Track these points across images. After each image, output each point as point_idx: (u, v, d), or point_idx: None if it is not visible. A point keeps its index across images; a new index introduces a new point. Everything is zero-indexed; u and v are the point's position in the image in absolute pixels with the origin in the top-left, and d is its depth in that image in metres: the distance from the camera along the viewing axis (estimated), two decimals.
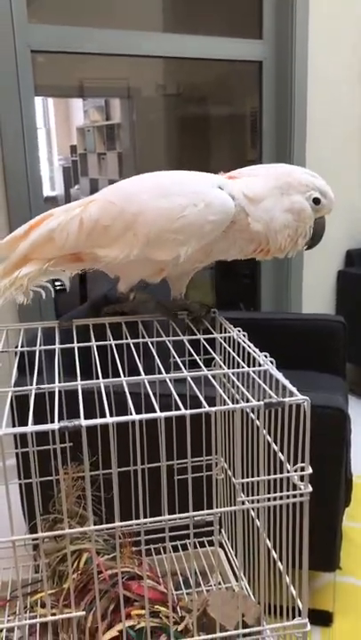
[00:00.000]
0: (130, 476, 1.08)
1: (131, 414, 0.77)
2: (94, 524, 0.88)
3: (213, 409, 0.82)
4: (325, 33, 2.90)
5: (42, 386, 0.87)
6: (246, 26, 3.04)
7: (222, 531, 1.41)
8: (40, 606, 1.03)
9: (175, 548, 1.36)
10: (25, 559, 1.21)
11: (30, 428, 0.72)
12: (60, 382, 0.91)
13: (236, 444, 0.86)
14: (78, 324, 1.14)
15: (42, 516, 1.05)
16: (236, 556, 1.27)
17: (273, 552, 0.97)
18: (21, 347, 1.08)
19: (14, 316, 2.46)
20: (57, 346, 1.07)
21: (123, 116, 6.62)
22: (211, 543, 1.41)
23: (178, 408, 0.80)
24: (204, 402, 0.82)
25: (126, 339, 1.08)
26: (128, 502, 0.94)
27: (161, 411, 0.78)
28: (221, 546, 1.41)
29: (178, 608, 1.01)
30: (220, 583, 1.32)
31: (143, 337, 1.10)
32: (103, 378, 0.91)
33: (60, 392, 0.85)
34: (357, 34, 3.02)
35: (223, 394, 0.90)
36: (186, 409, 0.79)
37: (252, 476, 0.88)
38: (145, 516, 0.83)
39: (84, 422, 0.69)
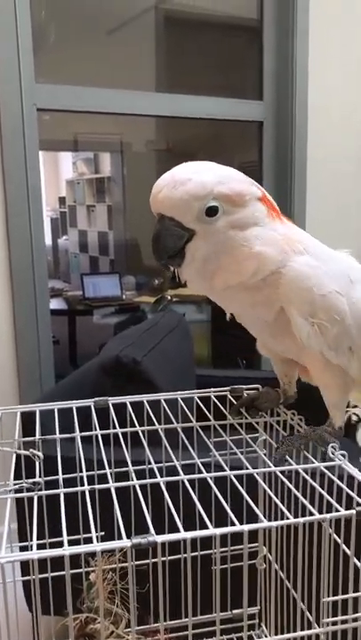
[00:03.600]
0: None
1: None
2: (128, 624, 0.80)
3: (301, 520, 0.70)
4: (324, 92, 2.96)
5: (73, 490, 0.75)
6: (247, 87, 3.09)
7: (262, 625, 1.27)
8: None
9: None
10: None
11: (96, 546, 0.60)
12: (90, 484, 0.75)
13: (323, 560, 0.76)
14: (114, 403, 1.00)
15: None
16: None
17: None
18: (40, 433, 0.94)
19: (13, 371, 2.38)
20: (77, 434, 0.93)
21: (113, 170, 6.69)
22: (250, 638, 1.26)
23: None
24: (287, 513, 0.71)
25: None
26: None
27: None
28: None
29: None
30: None
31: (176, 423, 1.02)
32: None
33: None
34: (357, 95, 3.08)
35: (304, 500, 0.77)
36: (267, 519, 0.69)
37: (313, 589, 0.79)
38: (194, 613, 0.75)
39: (159, 538, 0.60)
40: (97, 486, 0.70)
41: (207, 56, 3.39)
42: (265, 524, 0.68)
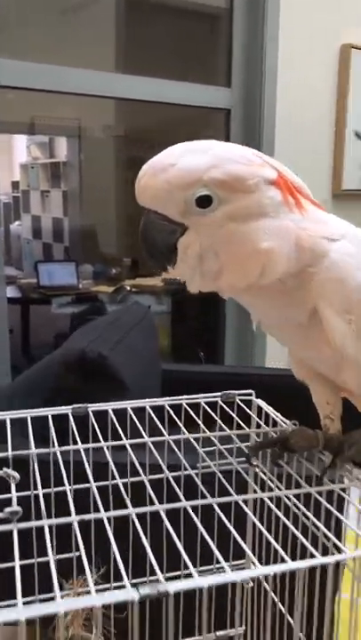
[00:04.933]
0: None
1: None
2: None
3: (302, 565, 0.56)
4: (294, 81, 2.90)
5: (61, 521, 0.63)
6: (215, 74, 3.01)
7: None
8: None
9: None
10: None
11: (94, 599, 0.50)
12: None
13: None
14: (93, 410, 0.88)
15: None
16: None
17: None
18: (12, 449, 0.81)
19: None
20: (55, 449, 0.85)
21: (69, 154, 6.50)
22: None
23: None
24: (287, 559, 0.60)
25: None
26: None
27: None
28: None
29: None
30: None
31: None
32: None
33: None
34: (328, 81, 3.03)
35: (305, 542, 0.64)
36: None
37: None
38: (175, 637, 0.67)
39: (171, 587, 0.50)
40: (88, 516, 0.60)
41: (174, 41, 3.29)
42: (258, 570, 0.58)
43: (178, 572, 0.74)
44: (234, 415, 0.90)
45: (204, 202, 0.69)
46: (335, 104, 3.08)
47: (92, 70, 2.60)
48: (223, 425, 0.89)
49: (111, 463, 0.80)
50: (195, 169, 0.69)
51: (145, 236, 0.74)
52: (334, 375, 0.83)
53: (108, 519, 0.62)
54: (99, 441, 0.83)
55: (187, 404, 0.90)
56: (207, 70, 3.18)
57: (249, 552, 0.64)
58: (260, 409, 0.94)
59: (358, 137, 3.10)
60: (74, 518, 0.59)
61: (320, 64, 3.01)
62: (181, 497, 0.70)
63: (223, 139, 2.94)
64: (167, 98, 2.72)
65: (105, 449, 0.83)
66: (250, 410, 0.92)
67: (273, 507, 0.74)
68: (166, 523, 0.65)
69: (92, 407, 0.87)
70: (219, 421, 0.90)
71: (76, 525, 0.58)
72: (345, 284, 0.74)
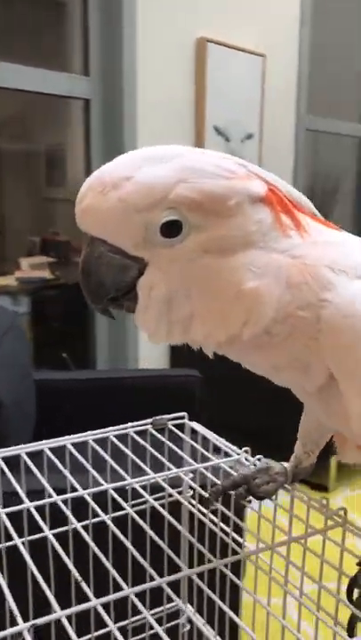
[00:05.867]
0: None
1: None
2: None
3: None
4: (153, 75, 2.83)
5: None
6: (73, 62, 2.84)
7: None
8: None
9: None
10: None
11: None
12: None
13: None
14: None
15: None
16: None
17: None
18: None
19: None
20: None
21: None
22: None
23: None
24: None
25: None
26: None
27: None
28: None
29: None
30: None
31: None
32: None
33: None
34: (186, 75, 2.99)
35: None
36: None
37: None
38: None
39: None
40: None
41: (27, 27, 3.07)
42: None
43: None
44: (166, 441, 0.80)
45: (170, 229, 0.53)
46: (194, 99, 3.06)
47: None
48: (155, 453, 0.78)
49: (33, 510, 0.67)
50: (158, 184, 0.52)
51: (88, 274, 0.56)
52: (349, 434, 0.66)
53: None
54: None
55: (114, 435, 0.78)
56: (65, 59, 3.00)
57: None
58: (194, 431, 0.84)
59: (218, 132, 3.11)
60: None
61: (178, 58, 2.97)
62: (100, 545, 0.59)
63: (83, 131, 2.80)
64: (20, 85, 2.51)
65: (20, 494, 0.69)
66: (183, 433, 0.82)
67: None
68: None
69: (26, 448, 0.72)
70: (150, 450, 0.79)
71: None
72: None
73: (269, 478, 0.74)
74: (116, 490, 0.70)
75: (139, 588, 0.58)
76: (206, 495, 0.76)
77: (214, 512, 0.78)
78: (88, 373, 2.31)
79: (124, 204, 0.52)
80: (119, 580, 0.61)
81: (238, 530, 0.75)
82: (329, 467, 2.81)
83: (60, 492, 0.69)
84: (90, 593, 0.59)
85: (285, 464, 0.77)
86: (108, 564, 0.64)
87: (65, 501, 0.67)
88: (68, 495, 0.67)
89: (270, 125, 3.39)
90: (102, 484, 0.68)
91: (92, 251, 0.55)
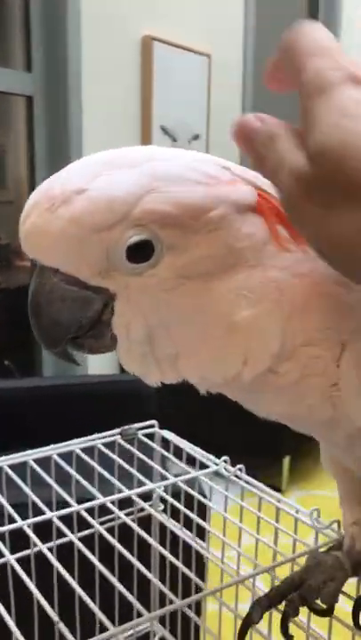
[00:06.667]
0: None
1: None
2: None
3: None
4: (99, 70, 2.75)
5: None
6: (16, 57, 2.73)
7: None
8: None
9: None
10: None
11: None
12: None
13: None
14: None
15: None
16: None
17: None
18: None
19: None
20: None
21: None
22: None
23: None
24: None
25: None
26: None
27: None
28: None
29: None
30: None
31: None
32: None
33: None
34: (132, 74, 2.93)
35: None
36: None
37: None
38: None
39: None
40: None
41: None
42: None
43: None
44: (136, 452, 0.73)
45: (139, 252, 0.41)
46: (140, 98, 3.00)
47: None
48: (125, 465, 0.71)
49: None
50: (120, 196, 0.40)
51: (38, 312, 0.45)
52: None
53: None
54: None
55: (80, 449, 0.70)
56: (5, 53, 2.89)
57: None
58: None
59: (165, 132, 3.06)
60: None
61: (123, 55, 2.90)
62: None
63: (25, 129, 2.69)
64: None
65: None
66: (152, 442, 0.76)
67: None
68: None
69: None
70: (119, 461, 0.72)
71: None
72: None
73: (325, 576, 0.59)
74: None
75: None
76: (181, 507, 0.70)
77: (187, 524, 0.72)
78: (34, 381, 2.21)
79: (77, 223, 0.40)
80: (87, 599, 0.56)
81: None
82: (282, 468, 2.81)
83: (20, 510, 0.63)
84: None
85: (337, 553, 0.62)
86: (75, 584, 0.60)
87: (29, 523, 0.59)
88: (31, 520, 0.60)
89: (217, 126, 3.36)
90: (70, 504, 0.61)
91: (42, 282, 0.43)
